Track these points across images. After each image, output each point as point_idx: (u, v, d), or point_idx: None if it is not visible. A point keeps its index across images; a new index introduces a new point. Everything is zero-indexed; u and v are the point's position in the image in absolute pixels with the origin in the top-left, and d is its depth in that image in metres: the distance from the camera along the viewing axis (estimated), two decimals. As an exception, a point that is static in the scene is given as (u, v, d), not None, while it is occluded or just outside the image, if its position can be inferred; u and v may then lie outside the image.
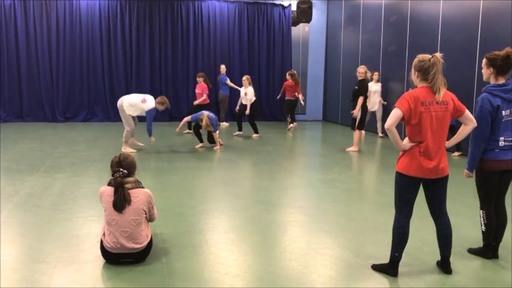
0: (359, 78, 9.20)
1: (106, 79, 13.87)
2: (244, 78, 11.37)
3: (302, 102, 12.71)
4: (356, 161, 8.54)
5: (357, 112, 9.08)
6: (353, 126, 9.26)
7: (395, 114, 3.38)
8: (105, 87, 13.85)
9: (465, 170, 3.92)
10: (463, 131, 3.59)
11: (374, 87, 11.29)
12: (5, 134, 10.84)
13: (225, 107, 13.55)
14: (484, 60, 3.89)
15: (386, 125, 3.40)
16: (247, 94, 11.12)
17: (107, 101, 13.80)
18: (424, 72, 3.40)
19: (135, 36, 13.89)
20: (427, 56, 3.42)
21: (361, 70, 9.21)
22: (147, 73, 14.05)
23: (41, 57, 13.32)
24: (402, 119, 3.39)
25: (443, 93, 3.39)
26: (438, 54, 3.41)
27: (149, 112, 8.49)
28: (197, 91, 11.92)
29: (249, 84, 11.21)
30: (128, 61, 13.99)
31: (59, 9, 13.33)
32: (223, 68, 13.42)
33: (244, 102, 11.31)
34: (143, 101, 8.50)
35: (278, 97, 13.72)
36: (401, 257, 3.58)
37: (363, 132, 9.95)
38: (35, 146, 9.35)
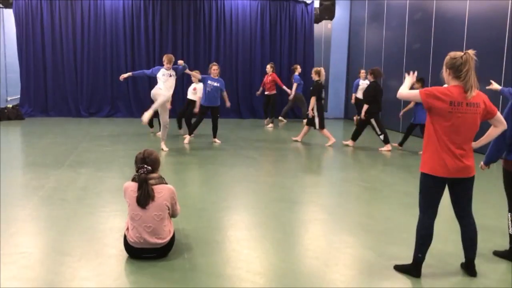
0: (314, 79, 9.60)
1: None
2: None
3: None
4: (377, 160, 8.46)
5: (311, 112, 9.46)
6: (314, 126, 9.62)
7: (415, 95, 3.43)
8: (128, 83, 13.99)
9: (481, 163, 3.88)
10: (492, 133, 3.52)
11: (362, 85, 11.22)
12: (30, 129, 11.06)
13: (302, 105, 13.33)
14: None
15: (398, 94, 3.53)
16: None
17: (130, 97, 13.96)
18: (456, 69, 3.33)
19: (158, 33, 14.01)
20: (459, 53, 3.36)
21: (313, 72, 9.70)
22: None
23: (66, 54, 13.55)
24: (424, 103, 3.38)
25: (475, 94, 3.32)
26: (471, 51, 3.34)
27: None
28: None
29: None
30: (151, 58, 14.11)
31: (84, 7, 13.56)
32: (298, 68, 13.40)
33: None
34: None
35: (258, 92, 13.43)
36: (424, 258, 3.54)
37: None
38: (59, 140, 9.51)
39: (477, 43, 9.20)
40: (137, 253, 3.71)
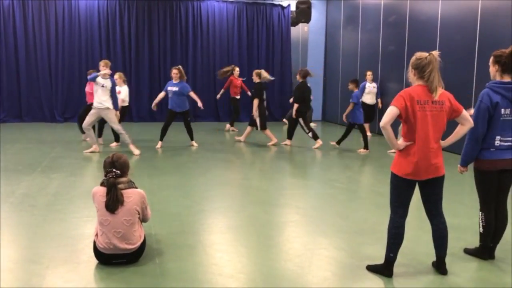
0: (255, 81, 9.86)
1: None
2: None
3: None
4: (354, 162, 8.51)
5: (255, 113, 9.71)
6: (257, 127, 9.87)
7: (391, 111, 3.33)
8: (104, 87, 13.81)
9: (458, 166, 3.91)
10: (460, 131, 3.55)
11: (369, 88, 11.34)
12: (3, 135, 10.81)
13: None
14: (491, 58, 3.85)
15: (381, 123, 3.36)
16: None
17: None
18: (421, 70, 3.37)
19: (134, 36, 13.87)
20: (424, 54, 3.39)
21: (254, 74, 10.02)
22: (146, 73, 14.04)
23: (40, 58, 13.30)
24: (399, 116, 3.35)
25: (440, 93, 3.36)
26: (435, 52, 3.38)
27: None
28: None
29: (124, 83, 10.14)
30: (127, 61, 13.97)
31: (58, 9, 13.31)
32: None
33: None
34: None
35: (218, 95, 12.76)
36: (396, 257, 3.55)
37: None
38: (32, 146, 9.31)
39: (449, 45, 9.36)
40: (107, 259, 3.64)
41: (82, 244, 4.11)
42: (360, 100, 9.71)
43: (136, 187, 3.76)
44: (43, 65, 13.35)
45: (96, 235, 3.66)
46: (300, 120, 9.59)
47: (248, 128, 10.25)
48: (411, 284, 3.47)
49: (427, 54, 3.37)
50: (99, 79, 8.28)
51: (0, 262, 3.69)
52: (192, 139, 9.71)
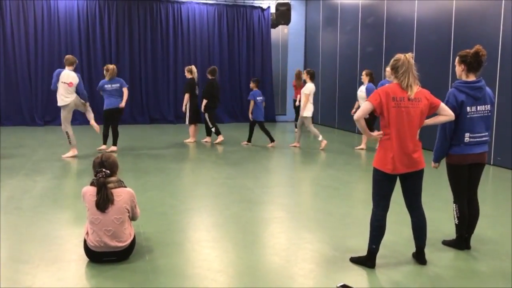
0: (187, 77, 10.28)
1: (85, 81, 13.75)
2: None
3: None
4: (335, 160, 8.69)
5: (184, 108, 10.22)
6: (185, 120, 10.42)
7: (365, 106, 3.56)
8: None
9: (432, 162, 4.11)
10: (441, 118, 3.75)
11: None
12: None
13: None
14: (456, 58, 4.06)
15: (355, 117, 3.59)
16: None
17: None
18: (396, 70, 3.58)
19: (114, 37, 13.85)
20: (400, 56, 3.60)
21: (185, 70, 10.40)
22: (126, 75, 13.99)
23: (19, 60, 13.17)
24: (374, 111, 3.54)
25: (416, 90, 3.54)
26: (409, 54, 3.60)
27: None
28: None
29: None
30: (108, 63, 13.89)
31: (36, 9, 13.20)
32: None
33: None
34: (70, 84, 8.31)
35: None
36: (378, 249, 3.71)
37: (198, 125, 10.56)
38: (14, 150, 9.26)
39: (425, 45, 9.64)
40: (98, 257, 3.72)
41: (71, 244, 4.17)
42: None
43: (125, 186, 3.84)
44: (22, 68, 13.22)
45: (87, 233, 3.73)
46: (206, 115, 10.21)
47: (191, 127, 10.45)
48: (393, 274, 3.63)
49: (402, 55, 3.57)
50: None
51: (-10, 263, 3.74)
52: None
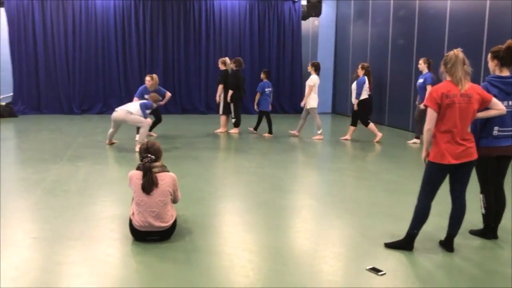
0: (221, 69, 10.55)
1: (120, 73, 14.27)
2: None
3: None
4: (364, 152, 8.83)
5: (218, 98, 10.49)
6: (218, 110, 10.76)
7: (431, 115, 3.73)
8: (119, 81, 14.26)
9: None
10: (491, 112, 3.91)
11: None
12: (24, 126, 11.26)
13: None
14: (489, 54, 4.18)
15: (426, 127, 3.74)
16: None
17: (122, 95, 14.17)
18: (446, 66, 3.75)
19: (148, 32, 14.28)
20: (450, 52, 3.77)
21: (219, 62, 10.65)
22: (160, 67, 14.41)
23: (58, 52, 13.73)
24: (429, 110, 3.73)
25: (468, 86, 3.71)
26: (457, 50, 3.74)
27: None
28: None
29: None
30: (142, 56, 14.36)
31: (75, 7, 13.76)
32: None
33: None
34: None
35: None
36: (418, 234, 3.93)
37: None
38: (55, 137, 9.74)
39: (457, 38, 9.63)
40: (142, 236, 4.02)
41: (116, 224, 4.49)
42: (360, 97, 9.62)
43: (168, 171, 4.13)
44: (61, 60, 13.78)
45: (133, 214, 4.03)
46: (232, 105, 10.47)
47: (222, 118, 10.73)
48: (422, 259, 3.81)
49: (451, 51, 3.74)
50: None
51: (40, 239, 4.09)
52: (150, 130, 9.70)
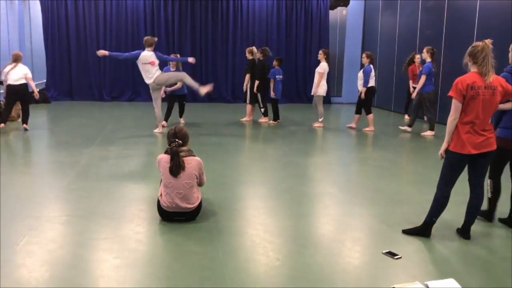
0: (248, 58, 10.62)
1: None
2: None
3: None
4: (387, 142, 8.87)
5: (245, 87, 10.65)
6: (245, 99, 10.85)
7: (455, 106, 3.77)
8: (148, 68, 14.53)
9: None
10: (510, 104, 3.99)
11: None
12: (57, 111, 11.69)
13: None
14: (510, 45, 4.21)
15: (451, 117, 3.80)
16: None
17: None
18: (474, 56, 3.77)
19: (177, 20, 14.51)
20: (478, 43, 3.79)
21: (247, 51, 10.71)
22: (188, 54, 14.61)
23: (90, 40, 14.15)
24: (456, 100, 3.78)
25: (493, 78, 3.76)
26: (488, 41, 3.78)
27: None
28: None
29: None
30: (171, 44, 14.61)
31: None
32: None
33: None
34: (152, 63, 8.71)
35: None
36: (435, 221, 4.04)
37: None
38: (86, 122, 10.10)
39: (487, 30, 9.50)
40: (169, 216, 4.24)
41: (145, 205, 4.73)
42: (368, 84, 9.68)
43: (194, 155, 4.33)
44: (92, 47, 14.13)
45: (161, 195, 4.25)
46: (259, 95, 10.52)
47: (248, 107, 10.87)
48: (438, 245, 3.92)
49: (481, 42, 3.77)
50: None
51: (74, 216, 4.35)
52: (181, 116, 10.31)
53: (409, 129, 9.82)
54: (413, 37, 12.45)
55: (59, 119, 10.67)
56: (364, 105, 9.89)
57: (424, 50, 9.50)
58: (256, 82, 10.42)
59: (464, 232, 4.11)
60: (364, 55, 9.86)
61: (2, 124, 8.92)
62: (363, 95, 9.75)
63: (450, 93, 3.81)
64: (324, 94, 10.25)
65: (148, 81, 8.70)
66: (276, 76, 10.54)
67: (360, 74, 9.85)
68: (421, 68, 9.86)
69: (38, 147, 8.00)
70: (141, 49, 8.99)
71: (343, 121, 11.39)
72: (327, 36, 15.59)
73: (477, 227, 4.22)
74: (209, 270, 3.35)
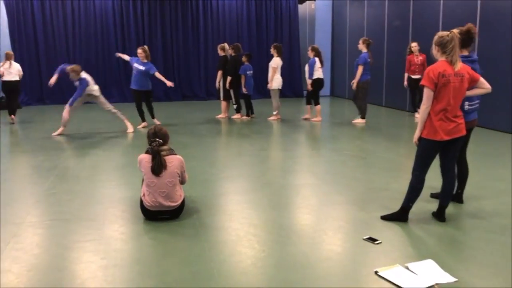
0: (220, 54, 10.74)
1: (120, 61, 14.39)
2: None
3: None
4: (362, 133, 9.08)
5: (217, 85, 10.82)
6: (219, 96, 11.05)
7: (428, 94, 3.91)
8: (119, 68, 14.42)
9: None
10: (478, 90, 4.18)
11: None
12: (29, 116, 11.50)
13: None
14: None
15: (423, 106, 3.94)
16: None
17: (122, 83, 14.37)
18: (444, 46, 3.91)
19: (147, 17, 14.41)
20: (445, 33, 3.94)
21: (218, 48, 10.83)
22: (159, 53, 14.58)
23: (58, 42, 13.92)
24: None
25: (460, 66, 3.92)
26: (456, 30, 3.94)
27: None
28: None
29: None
30: (141, 42, 14.46)
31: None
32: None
33: None
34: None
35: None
36: (412, 206, 4.22)
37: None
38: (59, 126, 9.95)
39: (452, 19, 9.80)
40: (153, 215, 4.28)
41: (127, 206, 4.76)
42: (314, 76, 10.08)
43: (175, 154, 4.38)
44: (61, 50, 13.97)
45: (143, 195, 4.29)
46: (232, 91, 10.61)
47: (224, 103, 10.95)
48: (415, 228, 4.08)
49: (448, 32, 3.91)
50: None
51: (58, 220, 4.35)
52: (153, 117, 9.86)
53: (363, 120, 10.11)
54: (381, 29, 12.71)
55: (32, 124, 10.50)
56: (312, 96, 10.29)
57: (360, 41, 9.96)
58: (229, 78, 10.48)
59: (439, 215, 4.29)
60: (309, 49, 10.24)
61: (13, 116, 10.44)
62: (309, 87, 10.15)
63: (422, 82, 3.95)
64: (279, 87, 10.52)
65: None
66: (247, 72, 10.62)
67: (306, 67, 10.25)
68: (420, 58, 10.31)
69: (13, 152, 7.88)
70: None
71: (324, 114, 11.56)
72: (297, 30, 15.75)
73: (450, 209, 4.40)
74: (196, 265, 3.42)
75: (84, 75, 8.80)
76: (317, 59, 10.07)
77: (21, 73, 10.71)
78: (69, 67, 8.75)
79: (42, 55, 13.83)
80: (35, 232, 4.09)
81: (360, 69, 9.72)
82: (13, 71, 10.43)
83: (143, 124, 9.60)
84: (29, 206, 4.82)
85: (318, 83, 10.14)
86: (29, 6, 13.59)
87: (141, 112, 9.65)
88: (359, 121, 9.97)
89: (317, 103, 10.27)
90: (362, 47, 9.87)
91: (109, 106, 9.14)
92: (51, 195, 5.17)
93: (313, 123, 10.10)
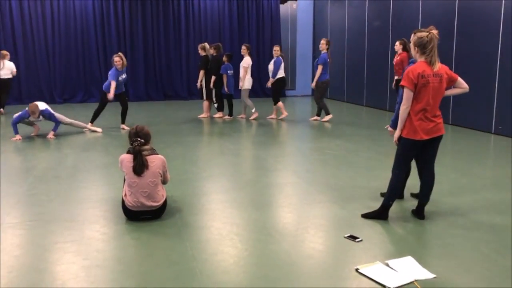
0: (201, 54, 10.77)
1: (101, 60, 14.30)
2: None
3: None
4: (343, 132, 9.16)
5: (199, 84, 10.78)
6: (202, 96, 10.95)
7: (407, 94, 3.96)
8: (100, 68, 14.29)
9: (389, 127, 4.65)
10: (456, 90, 4.23)
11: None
12: (7, 117, 11.29)
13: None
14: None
15: (403, 106, 3.98)
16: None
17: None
18: (423, 47, 3.96)
19: (127, 16, 14.28)
20: (424, 33, 3.97)
21: (199, 48, 10.88)
22: (141, 52, 14.49)
23: (37, 41, 13.70)
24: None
25: (439, 66, 3.98)
26: (435, 31, 3.97)
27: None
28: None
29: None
30: (122, 42, 14.40)
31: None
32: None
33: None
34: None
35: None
36: (392, 204, 4.27)
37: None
38: (40, 127, 9.80)
39: (431, 18, 9.95)
40: (135, 215, 4.27)
41: (109, 205, 4.73)
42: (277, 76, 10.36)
43: (157, 153, 4.37)
44: (40, 48, 13.76)
45: (125, 195, 4.27)
46: (214, 91, 10.68)
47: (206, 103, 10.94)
48: (395, 226, 4.15)
49: (427, 32, 3.94)
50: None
51: (38, 220, 4.31)
52: (123, 122, 9.61)
53: (319, 118, 10.50)
54: (362, 28, 12.84)
55: (8, 124, 10.32)
56: (273, 94, 10.54)
57: (323, 41, 10.20)
58: (213, 78, 10.46)
59: (418, 213, 4.36)
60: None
61: (1, 109, 11.56)
62: (269, 84, 10.47)
63: (402, 83, 4.00)
64: (249, 87, 10.69)
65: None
66: (228, 71, 10.62)
67: (270, 66, 10.45)
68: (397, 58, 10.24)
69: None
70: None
71: (298, 114, 11.64)
72: (278, 30, 15.80)
73: (429, 207, 4.49)
74: (179, 265, 3.43)
75: (42, 107, 8.48)
76: (281, 59, 10.33)
77: (14, 71, 12.05)
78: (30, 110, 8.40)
79: (20, 57, 13.59)
80: (15, 233, 4.04)
81: (320, 69, 10.01)
82: (6, 70, 11.78)
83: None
84: (8, 207, 4.75)
85: (281, 81, 10.44)
86: (7, 5, 13.35)
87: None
88: (327, 117, 10.31)
89: (277, 101, 10.48)
90: (323, 47, 10.13)
91: (67, 120, 8.94)
92: (30, 196, 5.11)
93: (279, 121, 10.38)
